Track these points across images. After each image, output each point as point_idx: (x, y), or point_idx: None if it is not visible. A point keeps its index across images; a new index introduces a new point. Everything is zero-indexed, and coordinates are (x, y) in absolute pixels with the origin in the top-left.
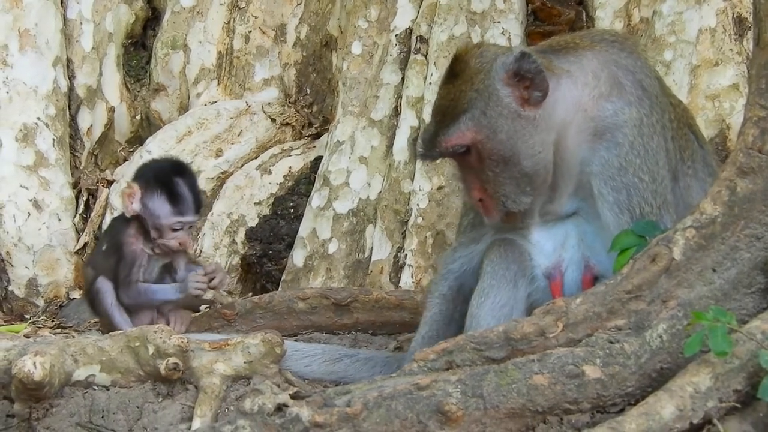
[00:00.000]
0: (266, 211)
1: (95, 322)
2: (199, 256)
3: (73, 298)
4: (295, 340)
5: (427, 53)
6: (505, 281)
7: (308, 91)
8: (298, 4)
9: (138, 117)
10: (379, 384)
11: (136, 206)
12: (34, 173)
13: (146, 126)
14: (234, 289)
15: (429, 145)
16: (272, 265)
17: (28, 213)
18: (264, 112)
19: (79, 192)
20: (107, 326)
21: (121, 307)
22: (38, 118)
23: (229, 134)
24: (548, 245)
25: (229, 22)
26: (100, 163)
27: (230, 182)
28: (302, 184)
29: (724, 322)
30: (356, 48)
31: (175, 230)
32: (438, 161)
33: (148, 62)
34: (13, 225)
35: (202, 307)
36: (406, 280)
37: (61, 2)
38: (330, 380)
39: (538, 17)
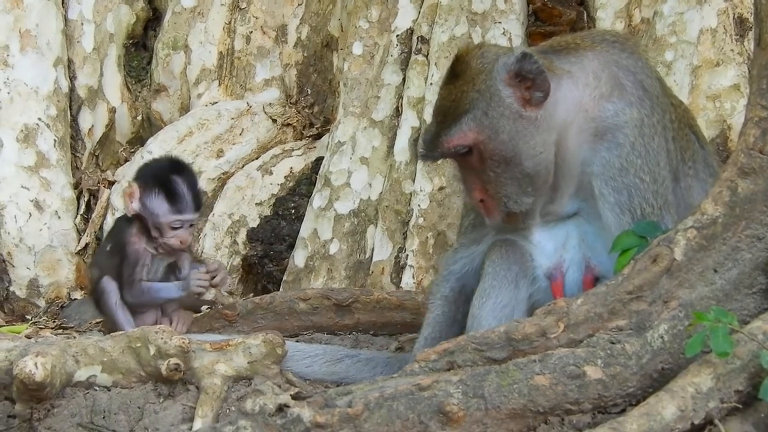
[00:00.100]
0: (267, 211)
1: (97, 323)
2: (201, 255)
3: (75, 299)
4: (297, 341)
5: (428, 54)
6: (507, 282)
7: (309, 92)
8: (299, 5)
9: (139, 117)
10: (381, 384)
11: (135, 205)
12: (35, 174)
13: (147, 126)
14: (235, 289)
15: (430, 146)
16: (273, 266)
17: (30, 213)
18: (265, 112)
19: (80, 192)
20: (111, 326)
21: (125, 307)
22: (39, 119)
23: (230, 135)
24: (549, 246)
25: (230, 23)
26: (101, 164)
27: (231, 183)
28: (303, 185)
29: (726, 323)
30: (357, 48)
31: (175, 228)
32: (439, 162)
33: (149, 63)
34: (14, 225)
35: (204, 307)
36: (408, 280)
37: (62, 3)
38: (331, 381)
39: (539, 18)
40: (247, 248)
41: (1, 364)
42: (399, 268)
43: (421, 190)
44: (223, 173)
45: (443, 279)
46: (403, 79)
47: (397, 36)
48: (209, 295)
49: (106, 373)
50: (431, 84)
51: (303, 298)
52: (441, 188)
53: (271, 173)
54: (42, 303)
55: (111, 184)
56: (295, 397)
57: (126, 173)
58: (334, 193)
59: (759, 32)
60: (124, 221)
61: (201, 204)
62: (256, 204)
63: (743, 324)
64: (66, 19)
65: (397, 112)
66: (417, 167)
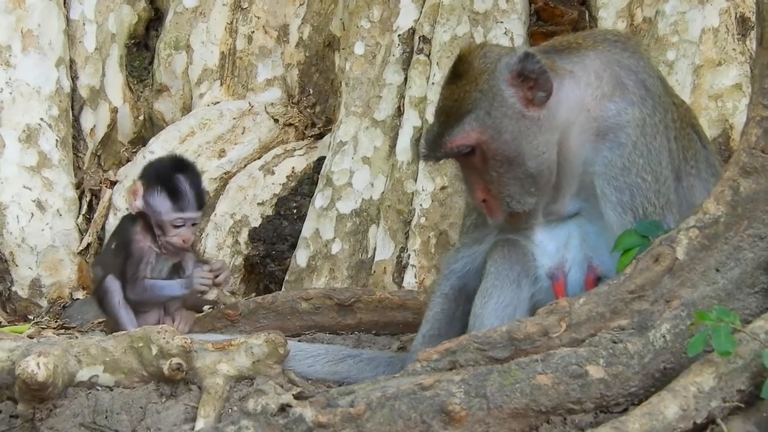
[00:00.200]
0: (269, 211)
1: (99, 323)
2: (203, 255)
3: (77, 299)
4: (299, 341)
5: (429, 53)
6: (509, 281)
7: (311, 92)
8: (300, 5)
9: (141, 117)
10: (383, 384)
11: (139, 203)
12: (37, 174)
13: (149, 126)
14: (237, 289)
15: (433, 146)
16: (275, 266)
17: (32, 214)
18: (267, 112)
19: (82, 192)
20: (113, 325)
21: (128, 306)
22: (41, 119)
23: (232, 135)
24: (551, 246)
25: (231, 23)
26: (103, 164)
27: (233, 183)
28: (305, 185)
29: (728, 322)
30: (359, 48)
31: (177, 227)
32: (441, 162)
33: (151, 63)
34: (16, 226)
35: (206, 307)
36: (410, 280)
37: (64, 3)
38: (333, 380)
39: (541, 17)
40: (249, 248)
41: (4, 364)
42: (401, 268)
43: (423, 190)
44: (225, 173)
45: (444, 277)
46: (405, 79)
47: (399, 36)
48: (211, 294)
49: (109, 373)
50: (433, 84)
51: (305, 297)
52: (443, 188)
53: (273, 173)
54: (44, 303)
55: (113, 184)
56: (297, 397)
57: (128, 173)
58: (336, 193)
59: (761, 31)
60: (129, 219)
61: (204, 202)
62: (258, 204)
63: (745, 323)
64: (68, 19)
65: (399, 112)
66: (419, 167)
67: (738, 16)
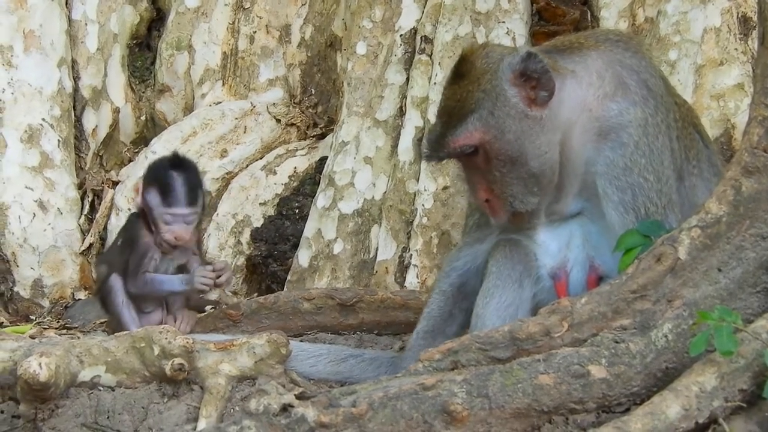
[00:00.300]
0: (271, 211)
1: (101, 323)
2: (205, 255)
3: (79, 299)
4: (301, 341)
5: (431, 53)
6: (511, 281)
7: (313, 92)
8: (302, 5)
9: (143, 118)
10: (385, 384)
11: (139, 200)
12: (39, 174)
13: (151, 127)
14: (239, 289)
15: (436, 146)
16: (277, 266)
17: (34, 214)
18: (269, 112)
19: (84, 193)
20: (116, 325)
21: (132, 306)
22: (43, 119)
23: (234, 135)
24: (553, 245)
25: (233, 23)
26: (105, 164)
27: (235, 183)
28: (307, 185)
29: (730, 322)
30: (361, 48)
31: (168, 223)
32: (444, 162)
33: (153, 63)
34: (18, 226)
35: (208, 307)
36: (412, 280)
37: (66, 3)
38: (335, 380)
39: (543, 17)
40: (251, 248)
41: (6, 364)
42: (403, 268)
43: (425, 190)
44: (227, 173)
45: (444, 274)
46: (407, 79)
47: (401, 36)
48: (213, 294)
49: (111, 373)
50: (435, 84)
51: (307, 297)
52: (445, 188)
53: (275, 173)
54: (46, 303)
55: (115, 184)
56: (299, 397)
57: (130, 173)
58: (338, 193)
59: (763, 31)
60: (135, 217)
61: (196, 200)
62: (260, 204)
63: (747, 323)
64: (70, 20)
65: (401, 112)
66: (421, 167)
67: (740, 15)
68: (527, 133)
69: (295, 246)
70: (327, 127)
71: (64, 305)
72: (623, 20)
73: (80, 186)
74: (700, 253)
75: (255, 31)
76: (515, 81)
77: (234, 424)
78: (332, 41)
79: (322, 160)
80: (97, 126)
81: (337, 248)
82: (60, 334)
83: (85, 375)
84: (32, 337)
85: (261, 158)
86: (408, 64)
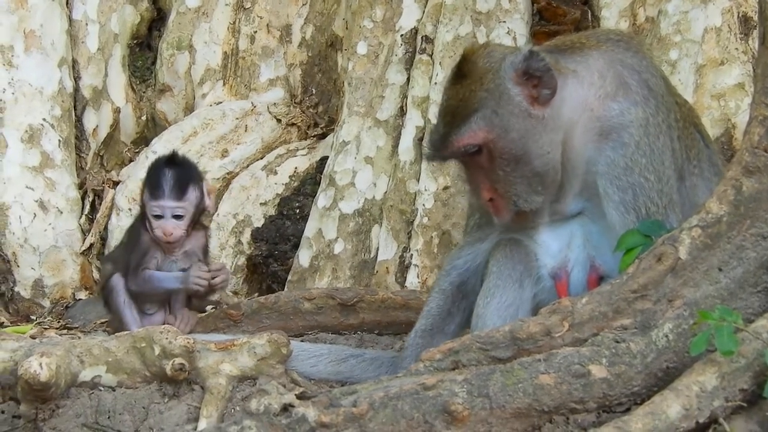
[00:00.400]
0: (272, 211)
1: (101, 323)
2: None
3: (79, 299)
4: (301, 341)
5: (432, 53)
6: (511, 281)
7: (314, 92)
8: (303, 5)
9: (143, 118)
10: (385, 384)
11: (140, 199)
12: (39, 174)
13: (152, 127)
14: (240, 289)
15: (439, 146)
16: (278, 266)
17: (34, 214)
18: (269, 112)
19: (85, 193)
20: (117, 324)
21: (134, 306)
22: (44, 119)
23: (235, 135)
24: (554, 245)
25: (234, 23)
26: (105, 164)
27: (236, 183)
28: (308, 185)
29: (730, 321)
30: (361, 48)
31: (156, 217)
32: (446, 162)
33: (154, 63)
34: (19, 226)
35: (209, 307)
36: (412, 280)
37: (67, 3)
38: (336, 380)
39: (544, 17)
40: (252, 248)
41: (6, 364)
42: (404, 268)
43: (425, 190)
44: (228, 173)
45: (445, 273)
46: (408, 79)
47: (402, 36)
48: (214, 295)
49: (111, 373)
50: (436, 83)
51: (308, 297)
52: (445, 188)
53: (275, 173)
54: (47, 303)
55: (115, 184)
56: (300, 397)
57: (130, 173)
58: (338, 193)
59: (763, 31)
60: (141, 216)
61: (184, 194)
62: (260, 204)
63: (748, 323)
64: (70, 20)
65: (402, 112)
66: (421, 167)
67: (740, 15)
68: (530, 132)
69: (296, 246)
70: (328, 127)
71: (64, 305)
72: (624, 20)
73: (81, 186)
74: (701, 253)
75: (256, 31)
76: (518, 79)
77: (235, 424)
78: (333, 41)
79: (323, 160)
80: (97, 126)
81: (338, 248)
82: (61, 334)
83: (86, 375)
84: (33, 337)
85: (262, 158)
86: (409, 64)
